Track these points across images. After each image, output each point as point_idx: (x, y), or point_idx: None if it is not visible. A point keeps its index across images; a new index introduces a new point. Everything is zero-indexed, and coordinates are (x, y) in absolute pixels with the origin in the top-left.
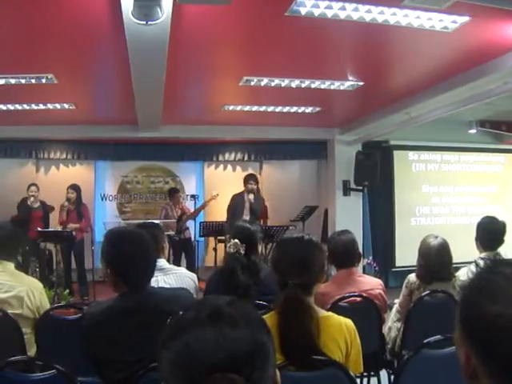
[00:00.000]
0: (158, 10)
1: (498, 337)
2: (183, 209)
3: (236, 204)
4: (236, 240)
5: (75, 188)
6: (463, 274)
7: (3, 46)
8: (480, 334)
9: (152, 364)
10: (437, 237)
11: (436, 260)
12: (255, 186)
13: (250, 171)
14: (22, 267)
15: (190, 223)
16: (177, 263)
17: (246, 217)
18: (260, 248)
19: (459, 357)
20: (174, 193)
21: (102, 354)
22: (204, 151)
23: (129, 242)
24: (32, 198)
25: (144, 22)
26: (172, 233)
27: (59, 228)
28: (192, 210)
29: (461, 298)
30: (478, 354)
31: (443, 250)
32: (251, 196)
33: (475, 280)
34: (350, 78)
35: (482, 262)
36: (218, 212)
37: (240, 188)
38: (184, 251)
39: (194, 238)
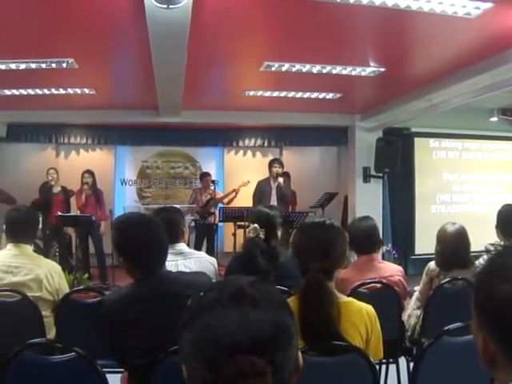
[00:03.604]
0: None
1: None
2: (212, 194)
3: (262, 190)
4: (255, 225)
5: (91, 173)
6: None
7: (24, 31)
8: (495, 317)
9: (171, 349)
10: (454, 223)
11: (452, 246)
12: (280, 170)
13: (270, 157)
14: (43, 251)
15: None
16: (198, 247)
17: (274, 203)
18: (279, 233)
19: (477, 343)
20: (203, 176)
21: (120, 341)
22: (224, 137)
23: (136, 227)
24: (52, 181)
25: (165, 6)
26: (197, 217)
27: (78, 213)
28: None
29: (475, 282)
30: (494, 337)
31: (459, 236)
32: (280, 179)
33: (487, 264)
34: (372, 64)
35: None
36: (239, 198)
37: (260, 174)
38: (207, 236)
39: (215, 222)
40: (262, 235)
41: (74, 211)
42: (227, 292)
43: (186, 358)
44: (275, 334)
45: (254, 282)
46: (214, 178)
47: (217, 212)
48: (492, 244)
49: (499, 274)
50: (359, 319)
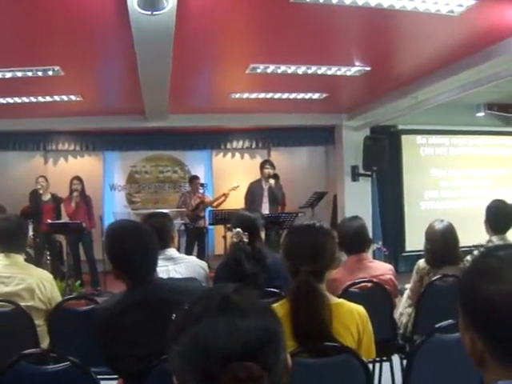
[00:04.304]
0: (164, 0)
1: (497, 315)
2: (201, 197)
3: (253, 192)
4: (238, 229)
5: (80, 179)
6: None
7: (9, 39)
8: (480, 317)
9: (164, 355)
10: (442, 221)
11: (441, 243)
12: (272, 171)
13: (259, 158)
14: (34, 260)
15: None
16: (189, 251)
17: (265, 204)
18: (263, 235)
19: (465, 343)
20: (192, 179)
21: (113, 349)
22: (212, 139)
23: (127, 235)
24: (41, 189)
25: (149, 13)
26: (187, 221)
27: (68, 220)
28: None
29: (459, 283)
30: (481, 337)
31: (448, 233)
32: (272, 181)
33: (471, 265)
34: (357, 64)
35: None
36: (229, 200)
37: (249, 175)
38: (197, 240)
39: (206, 226)
40: (245, 239)
41: (65, 218)
42: (213, 303)
43: (176, 370)
44: (265, 340)
45: (237, 289)
46: (202, 181)
47: (206, 215)
48: (476, 246)
49: (482, 274)
50: (351, 320)
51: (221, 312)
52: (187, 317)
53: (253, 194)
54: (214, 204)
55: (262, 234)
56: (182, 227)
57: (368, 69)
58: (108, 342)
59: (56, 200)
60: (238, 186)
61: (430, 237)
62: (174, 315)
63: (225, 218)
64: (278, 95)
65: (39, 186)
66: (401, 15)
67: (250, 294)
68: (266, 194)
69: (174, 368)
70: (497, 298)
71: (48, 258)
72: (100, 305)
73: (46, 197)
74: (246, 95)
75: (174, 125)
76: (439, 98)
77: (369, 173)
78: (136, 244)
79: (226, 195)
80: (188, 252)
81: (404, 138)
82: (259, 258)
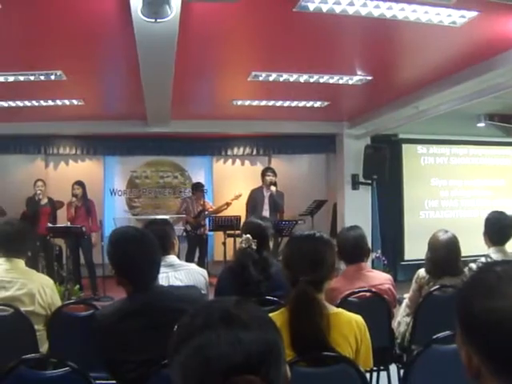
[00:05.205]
0: (167, 7)
1: (494, 331)
2: (204, 205)
3: (255, 199)
4: (248, 235)
5: (81, 184)
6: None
7: (12, 43)
8: (477, 332)
9: (163, 362)
10: (447, 231)
11: (443, 255)
12: (274, 178)
13: (259, 165)
14: (31, 263)
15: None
16: (190, 258)
17: (266, 212)
18: (271, 244)
19: (462, 357)
20: (198, 187)
21: (113, 356)
22: (213, 146)
23: (131, 242)
24: (39, 193)
25: (153, 20)
26: (188, 227)
27: (68, 224)
28: (213, 206)
29: (456, 299)
30: (477, 352)
31: (451, 244)
32: (273, 188)
33: (468, 281)
34: (359, 73)
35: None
36: (230, 207)
37: (249, 182)
38: (199, 247)
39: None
40: (254, 246)
41: (61, 222)
42: (215, 315)
43: (177, 381)
44: (267, 352)
45: (238, 302)
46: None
47: (206, 222)
48: (474, 259)
49: (478, 290)
50: (349, 330)
51: (223, 324)
52: (189, 328)
53: (254, 201)
54: (216, 212)
55: (271, 244)
56: (184, 233)
57: (370, 78)
58: (108, 348)
59: (52, 204)
60: (240, 195)
61: (433, 246)
62: (176, 326)
63: (225, 225)
64: (279, 103)
65: (38, 191)
66: (403, 26)
67: (252, 307)
68: (266, 201)
69: (174, 379)
70: (493, 314)
71: (43, 262)
72: (100, 311)
73: (44, 201)
74: (247, 102)
75: (176, 130)
76: (440, 108)
77: (369, 181)
78: (140, 251)
79: (228, 204)
80: (189, 259)
81: (405, 147)
82: (265, 266)
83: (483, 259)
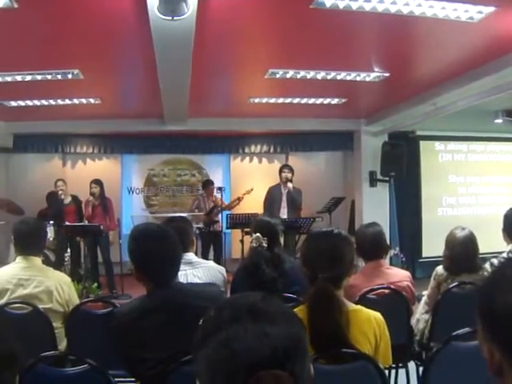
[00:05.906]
0: (184, 5)
1: None
2: (216, 201)
3: (272, 196)
4: (258, 234)
5: (98, 182)
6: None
7: (29, 42)
8: (499, 328)
9: (183, 359)
10: (464, 228)
11: (460, 251)
12: (290, 175)
13: (277, 163)
14: (53, 262)
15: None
16: (205, 255)
17: (284, 209)
18: (282, 240)
19: (483, 353)
20: (208, 184)
21: (132, 353)
22: (230, 144)
23: (153, 239)
24: (61, 193)
25: (170, 18)
26: (201, 225)
27: (86, 222)
28: (225, 202)
29: (477, 294)
30: (499, 349)
31: (469, 241)
32: (290, 185)
33: (490, 276)
34: (376, 70)
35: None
36: (247, 204)
37: (266, 180)
38: (213, 243)
39: (221, 230)
40: (264, 244)
41: (84, 221)
42: (242, 309)
43: (201, 375)
44: (292, 347)
45: (264, 297)
46: (220, 184)
47: (223, 219)
48: (495, 254)
49: (500, 285)
50: (368, 327)
51: (250, 318)
52: (216, 321)
53: (272, 198)
54: (228, 208)
55: (282, 240)
56: (197, 231)
57: (387, 75)
58: (126, 345)
59: (77, 202)
60: (251, 190)
61: (451, 244)
62: (202, 320)
63: (242, 222)
64: (296, 100)
65: (60, 191)
66: (420, 22)
67: (277, 302)
68: (284, 198)
69: (199, 372)
70: None
71: (66, 260)
72: (119, 308)
73: (67, 200)
74: (265, 100)
75: (193, 129)
76: (458, 105)
77: (387, 178)
78: (162, 248)
79: (239, 199)
80: (204, 256)
81: (422, 143)
82: (278, 263)
83: (505, 255)
